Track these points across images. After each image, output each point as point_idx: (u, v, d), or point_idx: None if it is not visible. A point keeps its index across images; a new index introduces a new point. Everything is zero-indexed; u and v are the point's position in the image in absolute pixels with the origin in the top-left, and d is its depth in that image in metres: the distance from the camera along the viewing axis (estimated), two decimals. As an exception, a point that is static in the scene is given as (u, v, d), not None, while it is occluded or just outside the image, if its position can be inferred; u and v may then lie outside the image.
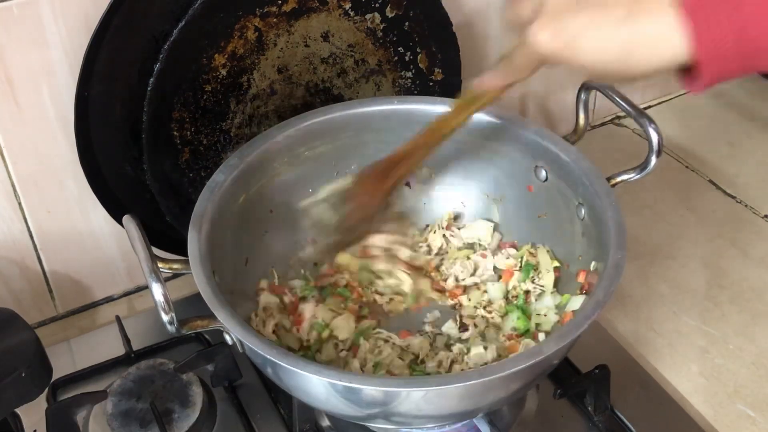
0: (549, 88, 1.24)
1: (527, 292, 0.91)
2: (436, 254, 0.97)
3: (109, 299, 1.04)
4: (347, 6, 0.95)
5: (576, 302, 0.84)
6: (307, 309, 0.89)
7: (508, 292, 0.92)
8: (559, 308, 0.87)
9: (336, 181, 0.91)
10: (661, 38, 0.59)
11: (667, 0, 0.59)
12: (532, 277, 0.91)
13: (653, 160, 0.84)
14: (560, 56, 0.64)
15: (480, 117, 0.92)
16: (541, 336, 0.85)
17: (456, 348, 0.86)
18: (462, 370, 0.83)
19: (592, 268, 0.82)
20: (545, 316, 0.87)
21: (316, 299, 0.91)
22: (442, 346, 0.88)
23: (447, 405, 0.72)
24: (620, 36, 0.61)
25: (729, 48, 0.58)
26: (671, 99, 1.38)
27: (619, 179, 0.86)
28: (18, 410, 0.85)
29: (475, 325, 0.89)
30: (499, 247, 0.96)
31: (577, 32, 0.62)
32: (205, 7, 0.86)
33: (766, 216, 1.14)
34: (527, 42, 0.65)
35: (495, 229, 0.97)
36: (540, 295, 0.90)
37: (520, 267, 0.92)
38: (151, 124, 0.88)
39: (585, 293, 0.84)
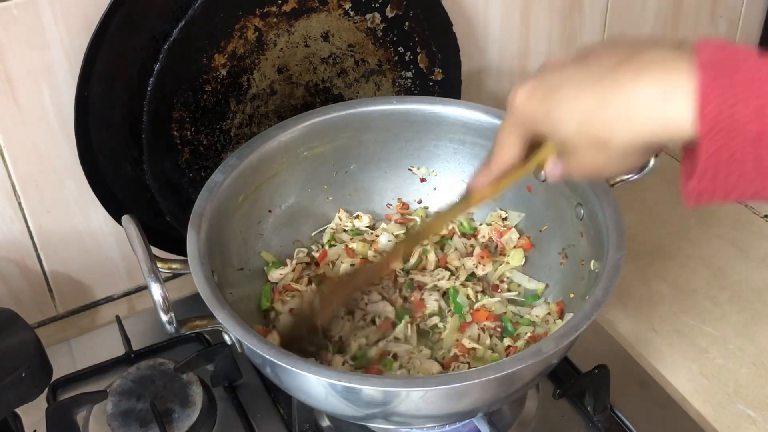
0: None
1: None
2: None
3: (109, 299, 1.04)
4: (347, 6, 0.95)
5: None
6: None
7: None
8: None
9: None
10: (654, 98, 0.49)
11: (671, 53, 0.49)
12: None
13: (652, 159, 0.84)
14: (535, 118, 0.57)
15: (479, 117, 0.92)
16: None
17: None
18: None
19: (591, 268, 0.83)
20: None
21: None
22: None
23: (446, 405, 0.72)
24: (602, 86, 0.52)
25: (746, 118, 0.45)
26: (671, 99, 1.38)
27: (618, 179, 0.86)
28: (18, 410, 0.85)
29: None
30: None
31: (557, 84, 0.55)
32: (205, 7, 0.86)
33: (766, 216, 1.14)
34: (508, 106, 0.59)
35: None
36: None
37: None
38: (151, 124, 0.89)
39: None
